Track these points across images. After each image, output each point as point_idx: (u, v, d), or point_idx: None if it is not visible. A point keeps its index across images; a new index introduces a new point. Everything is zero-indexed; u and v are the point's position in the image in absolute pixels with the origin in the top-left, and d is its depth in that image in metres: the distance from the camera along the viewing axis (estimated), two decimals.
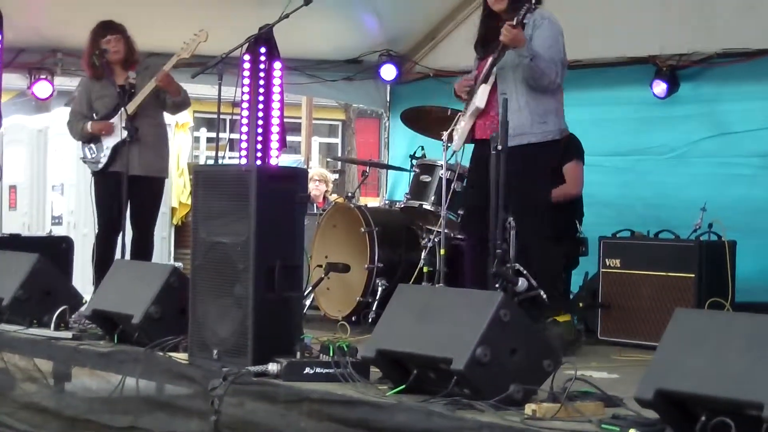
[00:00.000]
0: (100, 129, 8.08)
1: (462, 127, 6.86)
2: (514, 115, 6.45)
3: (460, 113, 6.96)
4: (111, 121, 8.07)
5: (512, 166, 6.10)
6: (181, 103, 8.33)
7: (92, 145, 8.17)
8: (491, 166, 6.08)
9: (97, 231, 8.18)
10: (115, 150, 8.05)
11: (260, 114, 9.87)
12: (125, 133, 7.87)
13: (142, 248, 8.05)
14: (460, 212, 7.58)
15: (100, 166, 8.11)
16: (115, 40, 8.13)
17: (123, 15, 8.29)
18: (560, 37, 6.75)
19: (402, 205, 8.23)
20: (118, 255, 7.80)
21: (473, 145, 6.90)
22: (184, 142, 14.00)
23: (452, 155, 7.07)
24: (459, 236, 7.92)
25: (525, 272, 6.14)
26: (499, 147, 6.02)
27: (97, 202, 8.17)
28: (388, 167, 10.47)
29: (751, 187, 8.53)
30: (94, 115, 8.20)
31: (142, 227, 8.13)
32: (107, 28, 8.17)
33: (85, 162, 8.28)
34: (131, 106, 7.97)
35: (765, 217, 8.27)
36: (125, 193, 7.79)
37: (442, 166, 7.75)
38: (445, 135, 7.01)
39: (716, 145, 8.85)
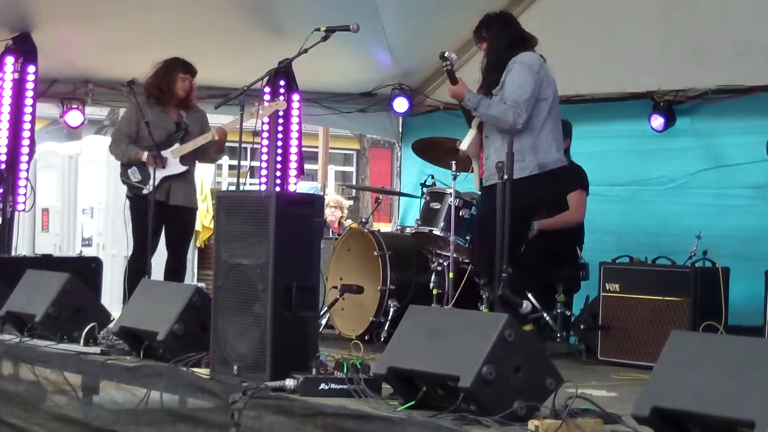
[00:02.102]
0: (157, 165, 7.98)
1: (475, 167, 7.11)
2: (495, 156, 6.62)
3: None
4: (165, 156, 8.04)
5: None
6: (217, 159, 8.64)
7: (136, 169, 8.10)
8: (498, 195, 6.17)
9: (132, 251, 8.25)
10: (163, 181, 8.07)
11: (279, 143, 9.95)
12: (177, 168, 7.98)
13: (176, 271, 8.13)
14: (468, 237, 7.64)
15: (145, 192, 8.01)
16: (189, 81, 8.19)
17: (151, 51, 8.33)
18: (529, 76, 6.72)
19: (413, 231, 8.23)
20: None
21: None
22: (207, 169, 14.01)
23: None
24: (466, 260, 7.93)
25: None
26: (505, 177, 6.09)
27: (135, 224, 8.19)
28: (400, 194, 10.49)
29: (744, 216, 8.53)
30: (145, 139, 8.06)
31: (178, 251, 8.20)
32: (187, 67, 8.21)
33: (125, 183, 8.19)
34: (188, 147, 8.07)
35: (757, 245, 8.25)
36: (162, 220, 7.94)
37: (451, 193, 7.78)
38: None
39: (712, 176, 8.86)
